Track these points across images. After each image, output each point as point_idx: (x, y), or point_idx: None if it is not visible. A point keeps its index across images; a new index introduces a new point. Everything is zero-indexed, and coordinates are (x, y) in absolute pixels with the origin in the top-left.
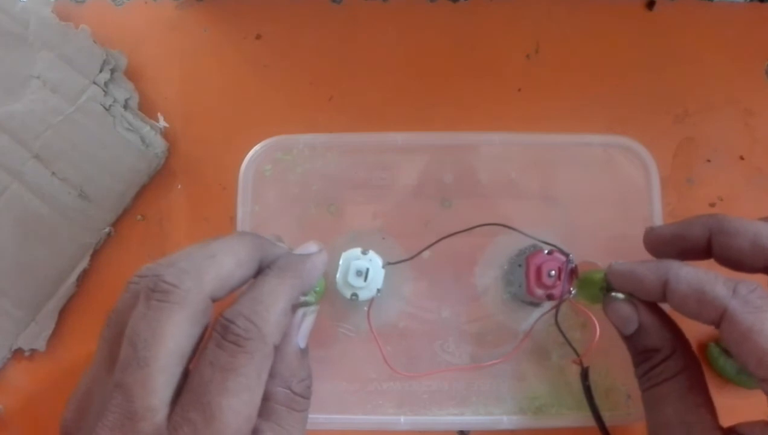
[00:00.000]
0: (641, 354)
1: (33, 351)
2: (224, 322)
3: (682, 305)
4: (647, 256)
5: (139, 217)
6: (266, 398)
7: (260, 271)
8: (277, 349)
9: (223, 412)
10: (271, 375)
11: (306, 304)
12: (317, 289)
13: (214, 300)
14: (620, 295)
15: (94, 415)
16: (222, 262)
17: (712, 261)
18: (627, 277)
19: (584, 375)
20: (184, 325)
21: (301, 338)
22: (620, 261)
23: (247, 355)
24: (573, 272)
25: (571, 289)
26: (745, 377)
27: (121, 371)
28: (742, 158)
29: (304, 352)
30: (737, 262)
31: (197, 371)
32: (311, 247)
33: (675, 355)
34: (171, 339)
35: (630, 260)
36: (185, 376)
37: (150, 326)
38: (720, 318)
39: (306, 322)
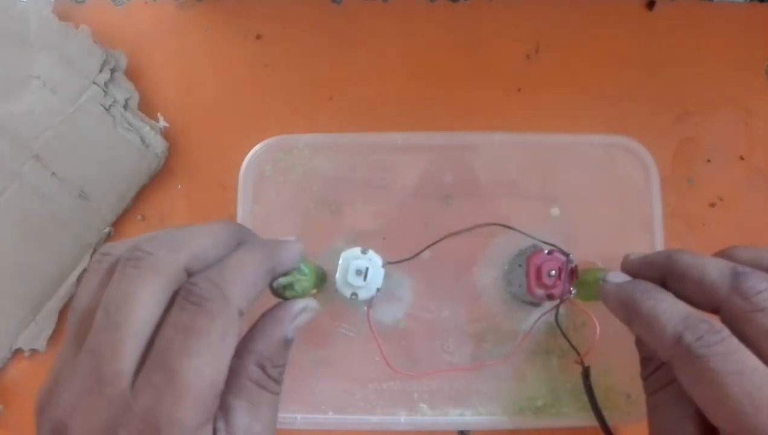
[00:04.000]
0: (641, 360)
1: (33, 351)
2: (187, 285)
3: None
4: None
5: (139, 217)
6: (238, 373)
7: None
8: (263, 328)
9: (184, 373)
10: (248, 350)
11: (289, 287)
12: (306, 271)
13: (189, 274)
14: (612, 280)
15: (64, 386)
16: (199, 238)
17: None
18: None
19: (585, 374)
20: (156, 291)
21: (291, 329)
22: (613, 272)
23: (207, 315)
24: (573, 272)
25: (572, 289)
26: None
27: (92, 337)
28: (742, 158)
29: (288, 343)
30: (689, 302)
31: (160, 334)
32: (288, 237)
33: (665, 366)
34: (143, 304)
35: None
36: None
37: (123, 291)
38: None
39: (303, 316)
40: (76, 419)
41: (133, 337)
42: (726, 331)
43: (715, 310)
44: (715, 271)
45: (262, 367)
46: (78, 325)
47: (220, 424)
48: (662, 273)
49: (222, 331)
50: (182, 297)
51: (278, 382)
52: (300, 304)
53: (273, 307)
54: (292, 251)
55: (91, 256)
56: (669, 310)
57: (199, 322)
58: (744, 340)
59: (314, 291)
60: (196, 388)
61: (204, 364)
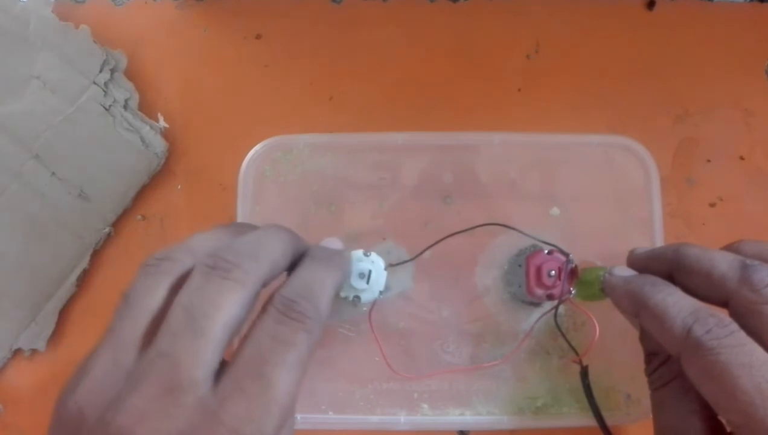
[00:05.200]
0: (645, 356)
1: (33, 351)
2: (285, 300)
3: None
4: None
5: (139, 217)
6: None
7: (294, 262)
8: None
9: (278, 385)
10: None
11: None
12: None
13: (263, 286)
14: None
15: (124, 388)
16: (272, 249)
17: None
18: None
19: (584, 373)
20: (241, 303)
21: None
22: (618, 266)
23: (307, 333)
24: (573, 272)
25: (571, 288)
26: None
27: (169, 340)
28: (742, 158)
29: None
30: (697, 296)
31: (252, 343)
32: (337, 242)
33: (671, 361)
34: (228, 313)
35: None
36: (222, 361)
37: (210, 298)
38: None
39: None
40: (145, 426)
41: (216, 344)
42: (734, 325)
43: (723, 303)
44: (724, 264)
45: None
46: (140, 321)
47: None
48: (669, 267)
49: (311, 350)
50: (281, 312)
51: None
52: None
53: None
54: (350, 261)
55: (91, 256)
56: (678, 303)
57: (298, 338)
58: (753, 332)
59: None
60: (284, 402)
61: (294, 379)
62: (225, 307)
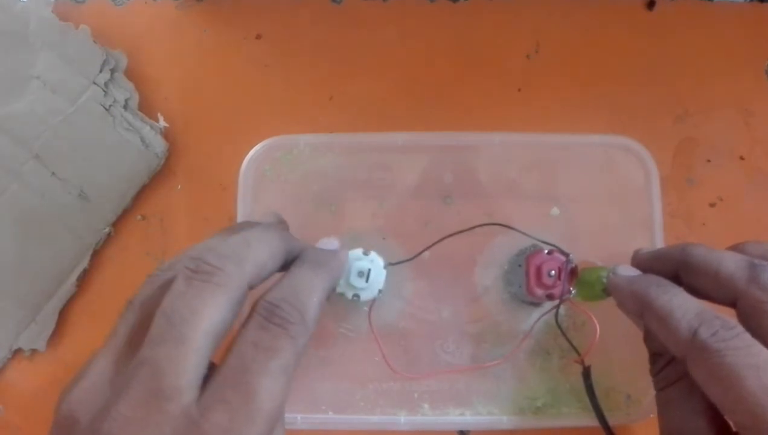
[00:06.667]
0: (650, 356)
1: (33, 351)
2: (269, 305)
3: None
4: None
5: (139, 217)
6: None
7: (286, 264)
8: None
9: (261, 393)
10: None
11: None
12: None
13: (250, 288)
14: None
15: (111, 395)
16: (259, 251)
17: None
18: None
19: (586, 374)
20: (224, 307)
21: None
22: (622, 265)
23: (291, 339)
24: (573, 272)
25: (571, 288)
26: None
27: (151, 347)
28: (742, 158)
29: None
30: (703, 296)
31: (235, 351)
32: (333, 243)
33: (676, 361)
34: (210, 319)
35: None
36: (211, 365)
37: (190, 304)
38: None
39: None
40: (130, 433)
41: (198, 352)
42: (739, 327)
43: (730, 303)
44: (731, 263)
45: None
46: (135, 326)
47: None
48: (675, 267)
49: (298, 356)
50: (263, 317)
51: None
52: None
53: None
54: (345, 264)
55: (91, 256)
56: (683, 305)
57: (281, 344)
58: (761, 331)
59: None
60: (269, 410)
61: (279, 386)
62: (206, 313)
